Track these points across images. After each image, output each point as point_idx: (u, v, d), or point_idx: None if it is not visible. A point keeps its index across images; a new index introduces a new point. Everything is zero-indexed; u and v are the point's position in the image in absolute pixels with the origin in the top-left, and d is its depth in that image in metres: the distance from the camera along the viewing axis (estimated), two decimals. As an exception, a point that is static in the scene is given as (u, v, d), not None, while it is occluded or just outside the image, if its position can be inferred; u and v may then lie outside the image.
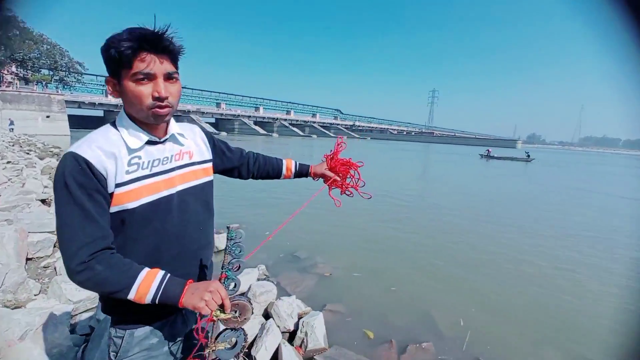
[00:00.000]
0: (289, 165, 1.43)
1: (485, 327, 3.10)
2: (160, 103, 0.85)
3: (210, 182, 1.09)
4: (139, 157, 0.89)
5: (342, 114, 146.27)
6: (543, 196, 11.79)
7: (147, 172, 0.89)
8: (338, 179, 1.42)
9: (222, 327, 0.87)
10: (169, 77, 0.86)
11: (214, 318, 0.83)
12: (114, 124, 0.90)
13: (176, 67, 0.90)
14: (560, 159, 47.86)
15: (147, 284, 0.80)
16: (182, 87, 0.93)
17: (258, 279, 3.52)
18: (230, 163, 1.26)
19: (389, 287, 3.80)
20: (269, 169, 1.40)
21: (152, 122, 0.88)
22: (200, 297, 0.79)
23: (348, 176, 1.43)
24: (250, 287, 3.03)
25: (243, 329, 0.88)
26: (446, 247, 5.45)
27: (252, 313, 0.88)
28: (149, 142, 0.91)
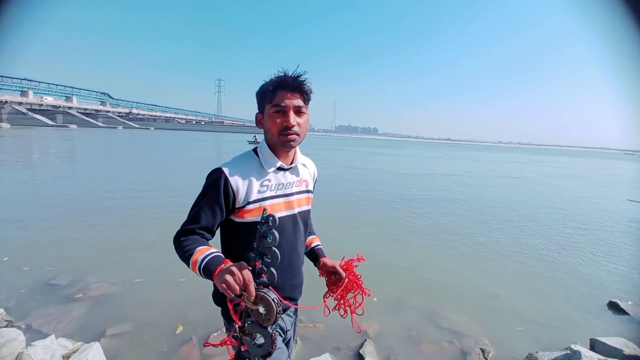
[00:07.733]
0: (312, 239, 1.37)
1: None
2: (288, 131, 1.03)
3: (310, 210, 1.26)
4: (269, 180, 1.09)
5: (113, 99, 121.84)
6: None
7: (273, 193, 1.09)
8: (345, 281, 1.24)
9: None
10: (298, 111, 1.04)
11: (243, 303, 0.83)
12: (255, 151, 1.13)
13: (306, 103, 1.07)
14: (327, 142, 60.17)
15: (197, 256, 0.94)
16: None
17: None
18: None
19: (179, 281, 3.57)
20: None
21: (281, 147, 1.07)
22: (223, 276, 0.81)
23: (351, 293, 1.26)
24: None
25: (271, 335, 0.83)
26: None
27: (277, 317, 0.82)
28: (279, 168, 1.11)
